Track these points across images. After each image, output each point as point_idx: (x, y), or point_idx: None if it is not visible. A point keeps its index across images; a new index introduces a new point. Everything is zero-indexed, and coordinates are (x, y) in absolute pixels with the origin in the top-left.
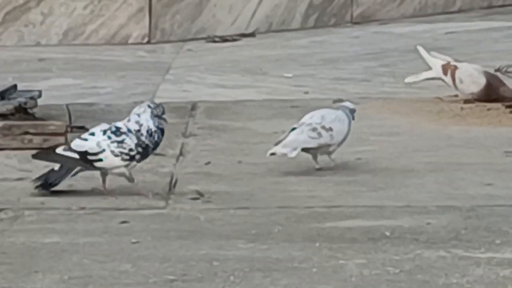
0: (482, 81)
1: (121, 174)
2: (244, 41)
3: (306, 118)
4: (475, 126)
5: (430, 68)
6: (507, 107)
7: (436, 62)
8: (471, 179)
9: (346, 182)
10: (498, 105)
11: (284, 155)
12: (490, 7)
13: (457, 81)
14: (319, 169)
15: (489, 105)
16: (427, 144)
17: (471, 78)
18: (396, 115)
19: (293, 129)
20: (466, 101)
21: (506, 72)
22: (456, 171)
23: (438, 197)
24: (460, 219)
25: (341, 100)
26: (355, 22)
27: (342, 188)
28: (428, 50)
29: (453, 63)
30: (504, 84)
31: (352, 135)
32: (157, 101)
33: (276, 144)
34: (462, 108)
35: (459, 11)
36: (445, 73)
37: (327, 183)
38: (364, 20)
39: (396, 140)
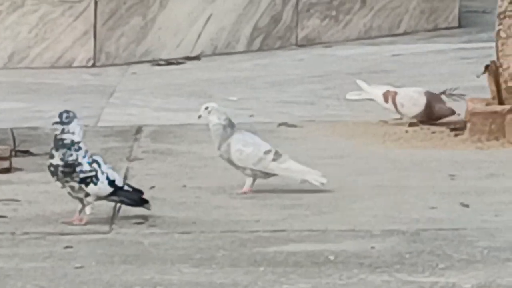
0: (423, 102)
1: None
2: (189, 64)
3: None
4: (419, 149)
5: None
6: (452, 130)
7: (377, 92)
8: (416, 202)
9: (290, 206)
10: (443, 128)
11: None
12: (435, 29)
13: (398, 106)
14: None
15: (433, 128)
16: (372, 167)
17: (412, 101)
18: (341, 138)
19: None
20: (411, 124)
21: (451, 95)
22: (401, 195)
23: (383, 220)
24: (404, 243)
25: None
26: (300, 45)
27: (287, 212)
28: (373, 73)
29: (392, 89)
30: (441, 102)
31: (297, 158)
32: (101, 124)
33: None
34: (406, 131)
35: (404, 33)
36: (386, 100)
37: (272, 207)
38: (309, 42)
39: (341, 163)
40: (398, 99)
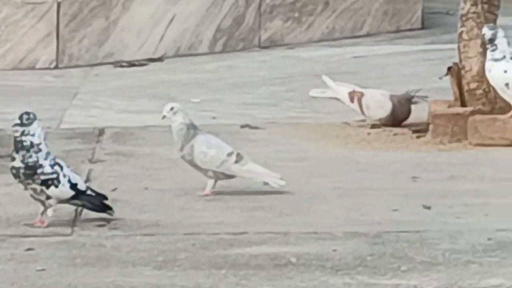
0: (389, 106)
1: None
2: (152, 65)
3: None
4: (382, 151)
5: (336, 97)
6: (414, 131)
7: (342, 90)
8: (378, 204)
9: (252, 208)
10: (405, 130)
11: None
12: (398, 31)
13: (364, 107)
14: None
15: (396, 130)
16: (334, 169)
17: (378, 103)
18: (303, 140)
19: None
20: (373, 126)
21: (415, 97)
22: (363, 197)
23: (345, 223)
24: (366, 245)
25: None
26: (262, 47)
27: (249, 214)
28: (336, 74)
29: (358, 89)
30: (406, 107)
31: (259, 161)
32: (64, 126)
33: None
34: (369, 133)
35: (367, 35)
36: (351, 100)
37: (234, 209)
38: (271, 44)
39: (303, 166)
40: (364, 101)
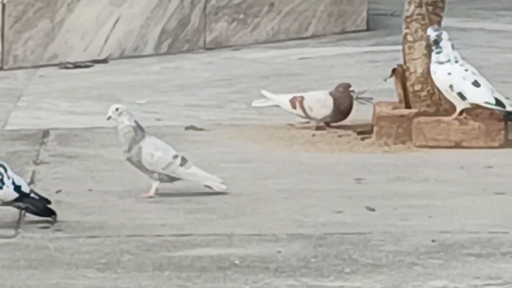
0: (330, 103)
1: None
2: (97, 67)
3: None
4: (326, 153)
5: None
6: (359, 133)
7: (283, 98)
8: (322, 206)
9: (197, 210)
10: (350, 131)
11: None
12: (343, 32)
13: (307, 110)
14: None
15: (340, 131)
16: (279, 171)
17: (319, 103)
18: (248, 141)
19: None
20: (318, 128)
21: (359, 98)
22: (307, 198)
23: (289, 224)
24: (310, 247)
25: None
26: (208, 48)
27: (193, 216)
28: (281, 76)
29: (298, 94)
30: (346, 100)
31: (204, 163)
32: (8, 128)
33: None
34: (313, 135)
35: (312, 36)
36: (294, 106)
37: (178, 211)
38: (217, 46)
39: (248, 167)
40: (305, 103)
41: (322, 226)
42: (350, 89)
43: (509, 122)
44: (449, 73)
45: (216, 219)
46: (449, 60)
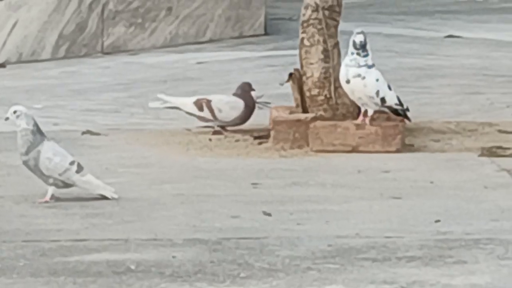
0: (241, 104)
1: None
2: None
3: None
4: (223, 158)
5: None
6: (256, 138)
7: (186, 101)
8: (219, 211)
9: (93, 215)
10: (247, 136)
11: None
12: (241, 37)
13: (216, 111)
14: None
15: (237, 136)
16: (175, 176)
17: (229, 104)
18: (145, 146)
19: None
20: (215, 132)
21: (257, 102)
22: (204, 203)
23: (185, 229)
24: (206, 252)
25: None
26: (106, 53)
27: (89, 221)
28: (179, 80)
29: (202, 97)
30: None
31: (101, 167)
32: None
33: None
34: (210, 139)
35: (210, 41)
36: (200, 108)
37: (74, 216)
38: (115, 50)
39: (145, 172)
40: (214, 105)
41: (218, 231)
42: (252, 88)
43: (405, 126)
44: (377, 80)
45: (112, 224)
46: (373, 65)
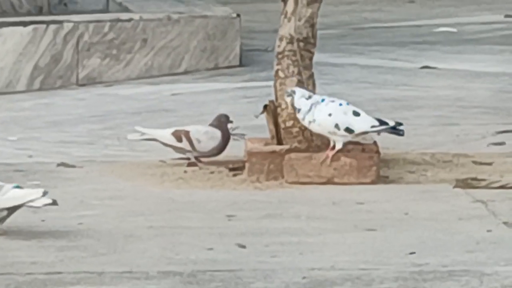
0: (218, 134)
1: None
2: None
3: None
4: (198, 190)
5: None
6: (231, 170)
7: (164, 132)
8: (193, 243)
9: (67, 248)
10: (222, 168)
11: None
12: (216, 68)
13: (195, 142)
14: None
15: (212, 168)
16: (150, 208)
17: (207, 135)
18: (120, 178)
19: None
20: (190, 164)
21: (232, 134)
22: (179, 236)
23: (160, 262)
24: (180, 284)
25: None
26: (81, 84)
27: (64, 254)
28: (154, 112)
29: (179, 128)
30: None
31: (74, 200)
32: None
33: None
34: (185, 171)
35: (185, 72)
36: (179, 140)
37: (49, 249)
38: (90, 82)
39: (119, 204)
40: (192, 136)
41: (193, 263)
42: (230, 120)
43: (380, 158)
44: (330, 114)
45: (86, 257)
46: (323, 99)
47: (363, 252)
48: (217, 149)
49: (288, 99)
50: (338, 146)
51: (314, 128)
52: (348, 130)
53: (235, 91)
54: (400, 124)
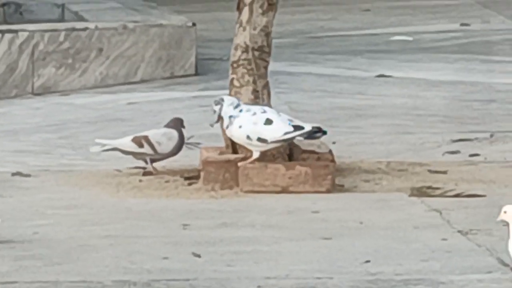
0: (174, 134)
1: None
2: None
3: None
4: (153, 199)
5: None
6: (186, 178)
7: (124, 141)
8: (148, 252)
9: (22, 257)
10: (177, 177)
11: None
12: (171, 77)
13: (156, 145)
14: None
15: (167, 177)
16: (105, 217)
17: (165, 136)
18: (75, 187)
19: None
20: (145, 173)
21: (187, 143)
22: (134, 245)
23: (115, 271)
24: None
25: None
26: (36, 94)
27: (18, 263)
28: (110, 121)
29: (137, 135)
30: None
31: (30, 209)
32: None
33: None
34: (140, 180)
35: (141, 81)
36: (140, 145)
37: (3, 258)
38: (45, 91)
39: (75, 214)
40: (152, 139)
41: (148, 272)
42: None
43: (336, 167)
44: (240, 126)
45: (41, 266)
46: (240, 110)
47: (318, 261)
48: (176, 148)
49: (217, 108)
50: (255, 155)
51: (234, 139)
52: (260, 140)
53: (191, 100)
54: (319, 128)
